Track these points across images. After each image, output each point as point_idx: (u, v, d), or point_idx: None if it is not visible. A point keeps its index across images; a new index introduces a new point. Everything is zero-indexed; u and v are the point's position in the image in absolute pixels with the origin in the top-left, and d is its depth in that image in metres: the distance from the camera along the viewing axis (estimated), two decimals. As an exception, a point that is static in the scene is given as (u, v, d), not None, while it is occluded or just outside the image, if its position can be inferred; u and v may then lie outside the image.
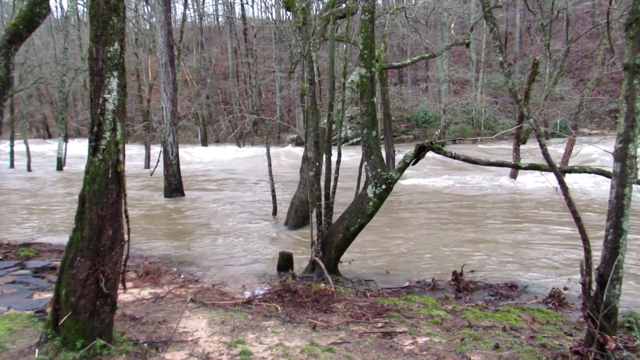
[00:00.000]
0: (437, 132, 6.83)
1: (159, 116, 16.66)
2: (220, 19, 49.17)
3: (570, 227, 8.74)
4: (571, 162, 14.63)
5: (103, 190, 3.20)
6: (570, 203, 3.40)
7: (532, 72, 14.43)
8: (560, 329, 4.40)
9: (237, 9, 47.07)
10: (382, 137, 18.78)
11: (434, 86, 37.30)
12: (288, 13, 10.82)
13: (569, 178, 14.47)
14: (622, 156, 3.26)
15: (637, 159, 3.31)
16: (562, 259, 7.40)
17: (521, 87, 23.86)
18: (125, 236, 3.43)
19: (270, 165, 11.02)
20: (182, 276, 6.41)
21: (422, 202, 12.74)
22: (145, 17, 31.35)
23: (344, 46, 7.08)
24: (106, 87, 3.15)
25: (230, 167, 23.09)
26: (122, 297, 4.97)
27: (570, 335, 4.19)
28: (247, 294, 5.59)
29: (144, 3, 28.73)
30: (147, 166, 21.99)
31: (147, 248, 8.31)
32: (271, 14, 37.90)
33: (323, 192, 6.55)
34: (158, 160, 15.26)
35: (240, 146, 33.93)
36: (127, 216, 3.39)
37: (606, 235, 3.34)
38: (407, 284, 6.13)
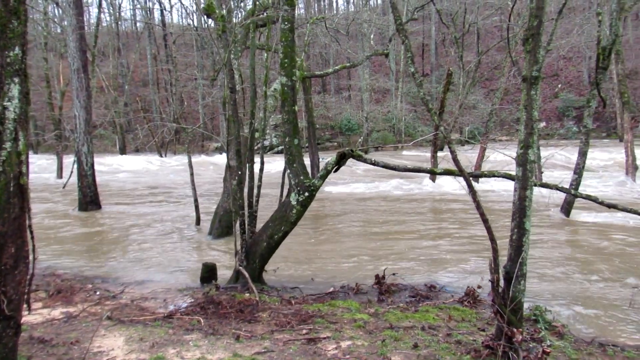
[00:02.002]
0: (360, 140, 7.02)
1: (71, 124, 15.75)
2: (138, 24, 47.48)
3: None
4: (486, 167, 15.54)
5: (4, 205, 2.97)
6: (478, 206, 3.61)
7: (446, 82, 15.19)
8: (474, 325, 4.64)
9: (157, 14, 45.72)
10: (306, 145, 18.96)
11: (356, 95, 38.18)
12: (209, 20, 10.66)
13: (490, 183, 15.33)
14: (523, 161, 3.51)
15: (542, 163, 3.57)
16: (478, 258, 7.81)
17: (438, 97, 25.02)
18: (31, 254, 3.21)
19: (192, 174, 10.76)
20: (97, 293, 6.08)
21: (346, 208, 12.97)
22: (55, 20, 29.63)
23: (265, 54, 7.10)
24: (6, 95, 2.95)
25: (151, 177, 22.28)
26: (30, 318, 4.64)
27: (483, 330, 4.43)
28: (169, 308, 5.41)
29: (54, 6, 27.15)
30: (60, 177, 20.71)
31: (59, 265, 7.81)
32: (192, 21, 37.14)
33: (246, 201, 6.50)
34: (72, 171, 14.41)
35: (161, 155, 32.85)
36: (31, 232, 3.17)
37: (511, 235, 3.58)
38: (331, 289, 6.21)
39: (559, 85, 39.47)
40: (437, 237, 9.54)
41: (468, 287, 5.85)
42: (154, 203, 14.50)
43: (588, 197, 6.12)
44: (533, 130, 3.49)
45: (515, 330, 3.44)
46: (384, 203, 13.68)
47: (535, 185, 5.41)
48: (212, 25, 10.79)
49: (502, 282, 3.60)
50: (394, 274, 6.64)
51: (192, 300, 5.68)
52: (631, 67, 36.12)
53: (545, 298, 5.91)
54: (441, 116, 15.18)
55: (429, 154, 18.00)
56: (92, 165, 13.35)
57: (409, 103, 38.07)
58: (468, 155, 16.18)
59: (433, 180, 16.39)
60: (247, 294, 5.61)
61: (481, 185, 15.67)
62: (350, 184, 17.31)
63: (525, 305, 4.94)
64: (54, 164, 22.55)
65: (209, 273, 6.51)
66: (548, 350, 3.43)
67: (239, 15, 13.64)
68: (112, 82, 36.21)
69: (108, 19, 43.52)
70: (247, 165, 6.77)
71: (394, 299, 5.76)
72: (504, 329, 3.43)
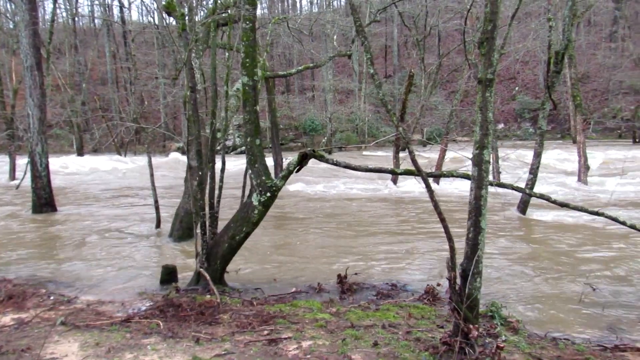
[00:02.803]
0: (324, 140, 7.05)
1: (25, 124, 15.18)
2: (96, 21, 46.19)
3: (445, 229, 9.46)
4: (447, 167, 15.85)
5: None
6: (435, 205, 3.69)
7: (408, 84, 15.42)
8: (433, 322, 4.73)
9: (116, 11, 44.59)
10: (269, 145, 18.88)
11: (320, 95, 38.35)
12: (170, 18, 10.47)
13: (454, 183, 15.62)
14: (478, 161, 3.60)
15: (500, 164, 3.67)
16: (439, 257, 7.95)
17: (400, 98, 25.34)
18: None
19: (152, 175, 10.55)
20: (51, 298, 5.88)
21: (309, 208, 12.99)
22: (7, 15, 28.48)
23: (226, 54, 7.03)
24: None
25: (110, 178, 21.71)
26: (-22, 325, 4.45)
27: (442, 327, 4.52)
28: (127, 312, 5.28)
29: (6, 0, 26.10)
30: (13, 179, 19.91)
31: (11, 270, 7.51)
32: (152, 18, 36.40)
33: (207, 202, 6.42)
34: (25, 172, 13.86)
35: (121, 156, 32.08)
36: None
37: (467, 233, 3.66)
38: (293, 289, 6.21)
39: (516, 88, 40.69)
40: (400, 236, 9.67)
41: (428, 285, 5.96)
42: (113, 205, 14.14)
43: (541, 196, 6.33)
44: (488, 131, 3.58)
45: (471, 326, 3.52)
46: (347, 203, 13.78)
47: (491, 185, 5.55)
48: (174, 23, 10.62)
49: (458, 280, 3.68)
50: (356, 273, 6.70)
51: (151, 303, 5.57)
52: (583, 71, 37.60)
53: (501, 294, 6.07)
54: (403, 117, 15.40)
55: (388, 155, 18.26)
56: (47, 165, 12.91)
57: (372, 104, 38.48)
58: (427, 156, 16.49)
59: (394, 181, 16.60)
60: (208, 296, 5.55)
61: (445, 185, 15.98)
62: (314, 184, 17.35)
63: (482, 302, 5.07)
64: (6, 165, 21.68)
65: (169, 275, 6.40)
66: (502, 345, 3.52)
67: (201, 14, 13.47)
68: (69, 80, 35.12)
69: (64, 14, 42.15)
70: (208, 165, 6.69)
71: (355, 298, 5.81)
72: (460, 325, 3.51)
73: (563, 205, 5.93)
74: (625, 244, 8.43)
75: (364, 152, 31.24)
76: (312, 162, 5.89)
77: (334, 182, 17.76)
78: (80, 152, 34.57)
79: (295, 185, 16.56)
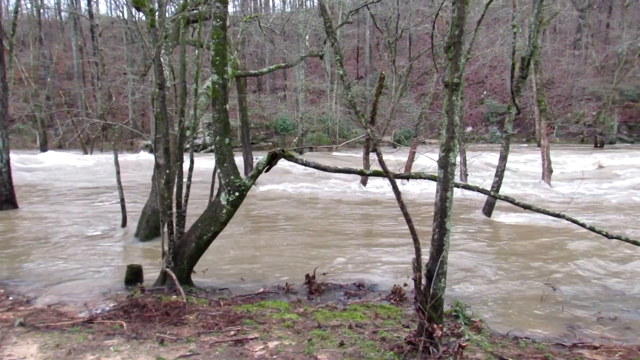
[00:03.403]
0: (295, 140, 7.04)
1: (-15, 118, 14.64)
2: (63, 14, 44.95)
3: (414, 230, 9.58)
4: (417, 169, 16.05)
5: None
6: (402, 206, 3.73)
7: (379, 86, 15.55)
8: (399, 322, 4.79)
9: (83, 4, 43.53)
10: (240, 144, 18.75)
11: (292, 95, 38.29)
12: (140, 13, 10.28)
13: (424, 185, 15.81)
14: (444, 164, 3.67)
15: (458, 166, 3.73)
16: (407, 257, 8.04)
17: (371, 99, 25.55)
18: None
19: (118, 172, 10.34)
20: (10, 298, 5.71)
21: (278, 208, 12.97)
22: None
23: (196, 51, 6.93)
24: None
25: (75, 175, 21.18)
26: None
27: (407, 327, 4.58)
28: (89, 313, 5.16)
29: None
30: (-29, 175, 19.19)
31: (-33, 268, 7.25)
32: (122, 13, 35.68)
33: (175, 201, 6.33)
34: (-16, 168, 13.36)
35: (87, 152, 31.32)
36: None
37: (433, 234, 3.73)
38: (261, 289, 6.18)
39: (484, 92, 41.53)
40: (368, 236, 9.75)
41: (395, 285, 6.02)
42: (77, 203, 13.80)
43: (506, 199, 6.48)
44: (454, 134, 3.65)
45: (435, 326, 3.58)
46: (317, 204, 13.81)
47: (458, 187, 5.66)
48: (143, 18, 10.43)
49: (424, 280, 3.74)
50: (324, 274, 6.72)
51: (115, 303, 5.46)
52: (548, 77, 38.66)
53: (466, 295, 6.19)
54: (373, 119, 15.53)
55: (359, 156, 18.38)
56: (8, 161, 12.50)
57: (343, 105, 38.64)
58: (398, 157, 16.67)
59: (364, 182, 16.72)
60: (174, 296, 5.47)
61: (415, 186, 16.11)
62: (284, 183, 17.32)
63: (447, 302, 5.16)
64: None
65: (134, 275, 6.29)
66: (464, 345, 3.60)
67: (172, 10, 13.28)
68: (33, 74, 34.08)
69: (29, 6, 40.88)
70: (176, 164, 6.60)
71: (323, 298, 5.83)
72: (425, 325, 3.56)
73: (526, 207, 6.09)
74: (585, 245, 8.71)
75: (335, 153, 31.36)
76: (284, 163, 5.89)
77: (305, 182, 17.76)
78: (44, 148, 33.61)
79: (265, 185, 16.49)
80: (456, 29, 3.54)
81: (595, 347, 4.52)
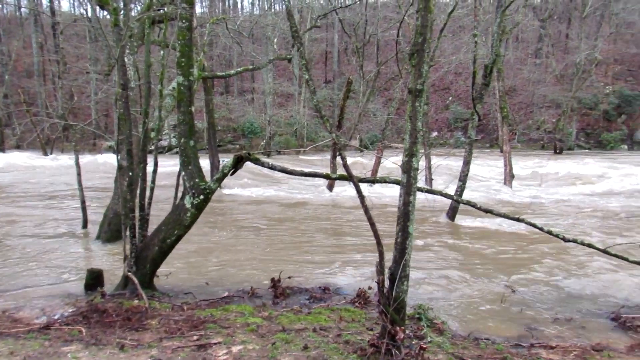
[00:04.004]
0: (262, 143, 7.02)
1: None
2: (23, 10, 43.52)
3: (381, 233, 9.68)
4: (384, 173, 16.20)
5: None
6: (366, 210, 3.78)
7: (346, 90, 15.66)
8: (363, 325, 4.83)
9: (45, 0, 42.26)
10: (207, 146, 18.54)
11: (260, 98, 38.14)
12: (104, 11, 10.05)
13: (394, 189, 15.90)
14: (407, 168, 3.73)
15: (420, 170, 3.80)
16: (372, 261, 8.11)
17: (339, 103, 25.70)
18: None
19: (79, 174, 10.07)
20: (-38, 304, 5.48)
21: (245, 212, 12.88)
22: None
23: (162, 52, 6.83)
24: None
25: (34, 176, 20.51)
26: None
27: (371, 330, 4.62)
28: (46, 318, 5.01)
29: None
30: None
31: None
32: (85, 10, 34.80)
33: (138, 203, 6.21)
34: (-64, 168, 12.82)
35: (47, 153, 30.37)
36: None
37: (396, 238, 3.78)
38: (226, 294, 6.13)
39: (450, 98, 42.36)
40: (334, 240, 9.79)
41: (359, 288, 6.07)
42: (36, 205, 13.36)
43: (468, 203, 6.62)
44: (417, 139, 3.71)
45: (398, 328, 3.63)
46: (284, 207, 13.78)
47: (421, 191, 5.75)
48: (108, 17, 10.20)
49: (387, 283, 3.78)
50: (289, 277, 6.71)
51: (74, 309, 5.31)
52: (511, 84, 39.74)
53: (429, 297, 6.30)
54: (341, 123, 15.63)
55: (327, 159, 18.42)
56: (-38, 162, 12.02)
57: (311, 108, 38.69)
58: (366, 161, 16.81)
59: (331, 186, 16.78)
60: (136, 301, 5.37)
61: (387, 191, 16.18)
62: (251, 187, 17.22)
63: (410, 305, 5.24)
64: None
65: (94, 280, 6.14)
66: (424, 346, 3.66)
67: (137, 9, 13.05)
68: (-10, 71, 32.85)
69: (-14, 1, 39.43)
70: (140, 166, 6.49)
71: (288, 302, 5.82)
72: (387, 327, 3.61)
73: (487, 211, 6.25)
74: (543, 248, 8.98)
75: (303, 156, 31.38)
76: (251, 166, 5.87)
77: (271, 186, 17.70)
78: (1, 148, 32.44)
79: (231, 189, 16.35)
80: (420, 36, 3.61)
81: (552, 347, 4.67)
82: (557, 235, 6.02)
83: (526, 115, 39.91)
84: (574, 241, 6.06)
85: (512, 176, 17.02)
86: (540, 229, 6.10)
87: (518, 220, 6.17)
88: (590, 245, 6.06)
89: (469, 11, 22.86)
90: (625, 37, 41.33)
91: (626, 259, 5.92)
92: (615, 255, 5.91)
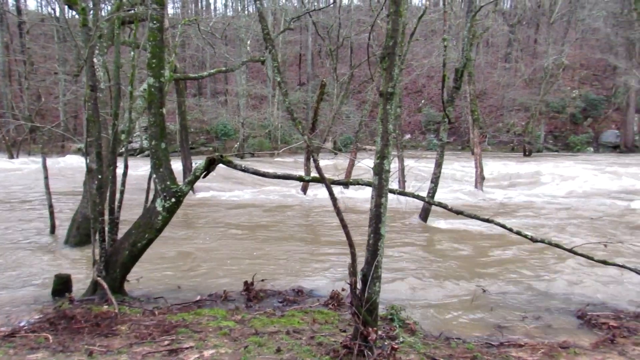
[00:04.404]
0: (236, 145, 6.98)
1: None
2: (-13, 8, 42.24)
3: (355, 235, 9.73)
4: (357, 175, 16.26)
5: None
6: (338, 212, 3.79)
7: (320, 92, 15.71)
8: (336, 326, 4.84)
9: (10, -2, 41.16)
10: (179, 149, 18.33)
11: (233, 100, 37.90)
12: (73, 11, 9.86)
13: (368, 191, 15.99)
14: (379, 170, 3.76)
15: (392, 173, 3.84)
16: (345, 262, 8.14)
17: (313, 106, 25.72)
18: None
19: (47, 177, 9.83)
20: None
21: (218, 215, 12.77)
22: None
23: (132, 52, 6.70)
24: None
25: (0, 180, 19.91)
26: None
27: (344, 331, 4.64)
28: (11, 326, 4.86)
29: None
30: None
31: None
32: (53, 10, 34.03)
33: (107, 207, 6.10)
34: None
35: (13, 156, 29.53)
36: None
37: (368, 239, 3.81)
38: (198, 297, 6.06)
39: (422, 101, 42.88)
40: (308, 242, 9.79)
41: (333, 290, 6.08)
42: (0, 210, 12.97)
43: (439, 204, 6.72)
44: (388, 142, 3.75)
45: (370, 329, 3.66)
46: (257, 210, 13.71)
47: (394, 193, 5.81)
48: (77, 16, 10.00)
49: (359, 285, 3.81)
50: (263, 280, 6.68)
51: (41, 315, 5.17)
52: (481, 88, 40.49)
53: (402, 298, 6.36)
54: (315, 125, 15.66)
55: (301, 161, 18.40)
56: None
57: (285, 111, 38.65)
58: (340, 163, 16.87)
59: (304, 188, 16.78)
60: (106, 306, 5.27)
61: (361, 193, 16.26)
62: (224, 191, 17.08)
63: (383, 306, 5.28)
64: None
65: (62, 285, 5.99)
66: (396, 346, 3.69)
67: (108, 8, 12.82)
68: (-48, 71, 31.79)
69: (-52, -1, 38.18)
70: (109, 168, 6.37)
71: (261, 305, 5.79)
72: (360, 329, 3.63)
73: (458, 212, 6.35)
74: (513, 248, 9.16)
75: (278, 159, 31.30)
76: (225, 169, 5.82)
77: (245, 189, 17.60)
78: (-36, 151, 31.38)
79: (204, 192, 16.19)
80: (391, 40, 3.66)
81: (521, 345, 4.77)
82: (525, 236, 6.16)
83: (496, 118, 40.70)
84: (542, 241, 6.21)
85: (483, 178, 17.33)
86: (510, 229, 6.23)
87: (488, 221, 6.29)
88: (557, 245, 6.22)
89: (441, 16, 23.23)
90: (590, 43, 42.58)
91: (591, 258, 6.10)
92: (581, 255, 6.08)
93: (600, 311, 5.98)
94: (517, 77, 40.76)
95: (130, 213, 8.25)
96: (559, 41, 38.67)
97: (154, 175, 5.77)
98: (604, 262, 6.11)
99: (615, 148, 37.13)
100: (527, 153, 34.76)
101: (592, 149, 37.61)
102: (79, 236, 8.82)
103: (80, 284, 6.31)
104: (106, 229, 5.97)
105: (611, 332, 5.13)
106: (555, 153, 36.65)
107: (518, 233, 6.20)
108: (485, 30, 24.40)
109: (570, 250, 6.06)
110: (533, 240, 6.16)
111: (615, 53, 37.58)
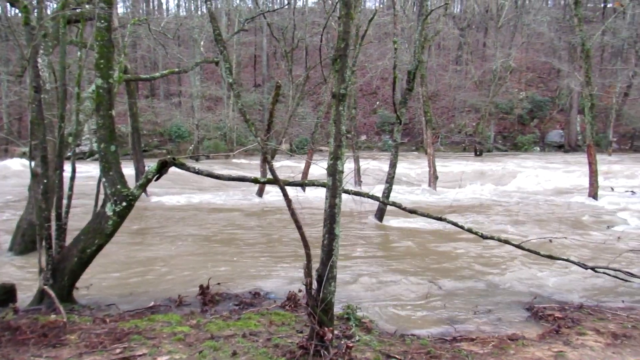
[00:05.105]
0: (190, 148, 6.86)
1: None
2: None
3: (313, 236, 9.74)
4: (314, 177, 16.31)
5: None
6: (292, 213, 3.81)
7: (275, 94, 15.65)
8: (293, 328, 4.85)
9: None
10: (131, 151, 17.84)
11: (187, 101, 37.24)
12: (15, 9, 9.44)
13: (323, 193, 15.98)
14: (332, 171, 3.79)
15: (346, 174, 3.88)
16: (302, 264, 8.14)
17: (268, 107, 25.63)
18: None
19: (-11, 183, 9.37)
20: None
21: (171, 219, 12.52)
22: None
23: (79, 52, 6.48)
24: None
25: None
26: None
27: (301, 332, 4.65)
28: (-50, 340, 4.60)
29: None
30: None
31: None
32: (-6, 7, 32.42)
33: (54, 212, 5.88)
34: None
35: (-49, 160, 27.92)
36: None
37: (323, 240, 3.83)
38: (152, 303, 5.93)
39: (377, 103, 43.49)
40: (265, 244, 9.75)
41: (290, 291, 6.08)
42: (-62, 217, 12.26)
43: (394, 204, 6.85)
44: (342, 142, 3.79)
45: (326, 329, 3.68)
46: (212, 214, 13.53)
47: (349, 193, 5.87)
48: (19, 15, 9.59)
49: (315, 285, 3.83)
50: (219, 284, 6.61)
51: (-17, 327, 4.93)
52: (433, 90, 41.46)
53: (358, 297, 6.43)
54: (270, 126, 15.60)
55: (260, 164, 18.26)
56: None
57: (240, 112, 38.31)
58: (298, 165, 16.86)
59: (261, 190, 16.68)
60: (53, 316, 5.06)
61: (317, 194, 16.25)
62: (180, 194, 16.75)
63: (339, 305, 5.34)
64: None
65: (6, 295, 5.72)
66: (351, 345, 3.74)
67: (54, 6, 12.35)
68: None
69: None
70: (56, 172, 6.14)
71: (218, 309, 5.72)
72: (316, 329, 3.65)
73: (412, 212, 6.49)
74: (465, 245, 9.43)
75: (235, 160, 30.97)
76: (180, 172, 5.72)
77: (201, 192, 17.33)
78: None
79: (158, 195, 15.84)
80: (342, 42, 3.70)
81: (472, 339, 4.92)
82: (476, 233, 6.37)
83: (448, 119, 41.78)
84: (492, 238, 6.44)
85: (436, 177, 17.75)
86: (461, 227, 6.42)
87: (440, 219, 6.47)
88: (506, 241, 6.47)
89: (392, 19, 23.62)
90: (535, 47, 44.39)
91: (538, 253, 6.37)
92: (529, 250, 6.35)
93: (547, 303, 6.25)
94: (467, 79, 41.98)
95: (79, 218, 7.98)
96: (506, 45, 40.12)
97: (104, 179, 5.61)
98: (550, 257, 6.40)
99: (560, 147, 38.85)
100: (478, 153, 35.84)
101: (538, 149, 39.19)
102: (24, 243, 8.46)
103: (26, 294, 6.05)
104: (53, 235, 5.75)
105: (557, 323, 5.37)
106: (505, 153, 37.95)
107: (469, 230, 6.41)
108: (436, 33, 25.01)
109: (518, 246, 6.31)
110: (483, 237, 6.38)
111: (559, 57, 39.38)
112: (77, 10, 7.31)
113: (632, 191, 17.18)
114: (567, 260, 6.39)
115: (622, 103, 37.45)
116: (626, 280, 6.31)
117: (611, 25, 32.35)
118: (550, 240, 7.35)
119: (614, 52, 41.24)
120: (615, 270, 6.21)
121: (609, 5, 37.73)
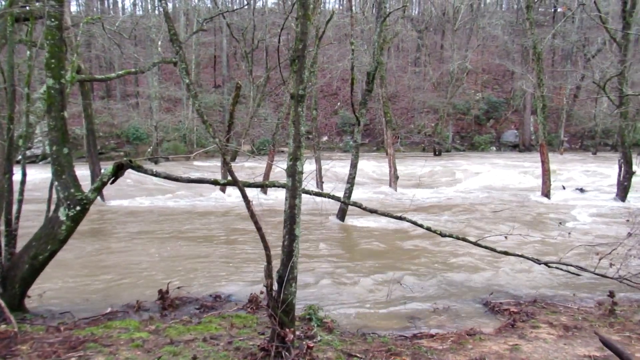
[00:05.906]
0: (149, 150, 6.70)
1: None
2: None
3: (275, 237, 9.70)
4: (276, 178, 16.24)
5: None
6: (252, 214, 3.79)
7: (235, 95, 15.52)
8: (255, 330, 4.82)
9: None
10: (87, 154, 17.30)
11: (145, 102, 36.39)
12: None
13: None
14: (292, 172, 3.80)
15: (305, 175, 3.89)
16: (264, 265, 8.10)
17: (228, 108, 25.38)
18: None
19: None
20: None
21: (131, 223, 12.22)
22: None
23: (28, 52, 6.21)
24: None
25: None
26: None
27: (263, 334, 4.63)
28: None
29: None
30: None
31: None
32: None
33: (3, 218, 5.64)
34: None
35: None
36: None
37: (283, 241, 3.83)
38: (109, 309, 5.78)
39: (338, 104, 43.73)
40: (226, 247, 9.64)
41: (252, 293, 6.05)
42: None
43: (354, 204, 6.91)
44: (301, 143, 3.80)
45: (287, 330, 3.68)
46: (174, 217, 13.29)
47: (309, 194, 5.89)
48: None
49: (275, 286, 3.82)
50: (178, 288, 6.50)
51: None
52: (393, 91, 42.03)
53: (320, 297, 6.46)
54: (231, 127, 15.46)
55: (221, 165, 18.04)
56: None
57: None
58: (261, 166, 16.75)
59: (223, 191, 16.52)
60: (3, 326, 4.86)
61: (280, 196, 16.19)
62: (138, 197, 16.36)
63: (301, 306, 5.34)
64: None
65: (-49, 306, 5.45)
66: (311, 345, 3.75)
67: (0, 4, 11.83)
68: None
69: None
70: (5, 176, 5.89)
71: (177, 313, 5.63)
72: (277, 330, 3.64)
73: (372, 211, 6.57)
74: (424, 243, 9.61)
75: (197, 162, 30.49)
76: (139, 176, 5.58)
77: (161, 195, 16.97)
78: None
79: (115, 199, 15.42)
80: (300, 43, 3.71)
81: (432, 336, 5.02)
82: (435, 232, 6.50)
83: (408, 120, 42.41)
84: (450, 236, 6.58)
85: (397, 177, 17.99)
86: (420, 226, 6.54)
87: (400, 218, 6.56)
88: (464, 239, 6.62)
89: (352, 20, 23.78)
90: (490, 49, 45.63)
91: (494, 250, 6.56)
92: (485, 247, 6.52)
93: (503, 298, 6.44)
94: (426, 81, 42.76)
95: (30, 224, 7.68)
96: (462, 47, 41.11)
97: (56, 183, 5.42)
98: (506, 253, 6.60)
99: (514, 147, 40.09)
100: (437, 153, 36.55)
101: (494, 148, 40.32)
102: (-28, 251, 8.06)
103: (-26, 304, 5.78)
104: (2, 242, 5.52)
105: (512, 317, 5.54)
106: (462, 152, 38.87)
107: (428, 229, 6.53)
108: (394, 35, 25.38)
109: (475, 244, 6.47)
110: (442, 235, 6.52)
111: (512, 59, 40.61)
112: (26, 8, 7.04)
113: (581, 189, 17.91)
114: (521, 256, 6.60)
115: (572, 104, 38.99)
116: (577, 274, 6.57)
117: (561, 29, 33.68)
118: (506, 237, 7.59)
119: (564, 55, 42.90)
120: (566, 264, 6.46)
121: (558, 10, 39.22)
